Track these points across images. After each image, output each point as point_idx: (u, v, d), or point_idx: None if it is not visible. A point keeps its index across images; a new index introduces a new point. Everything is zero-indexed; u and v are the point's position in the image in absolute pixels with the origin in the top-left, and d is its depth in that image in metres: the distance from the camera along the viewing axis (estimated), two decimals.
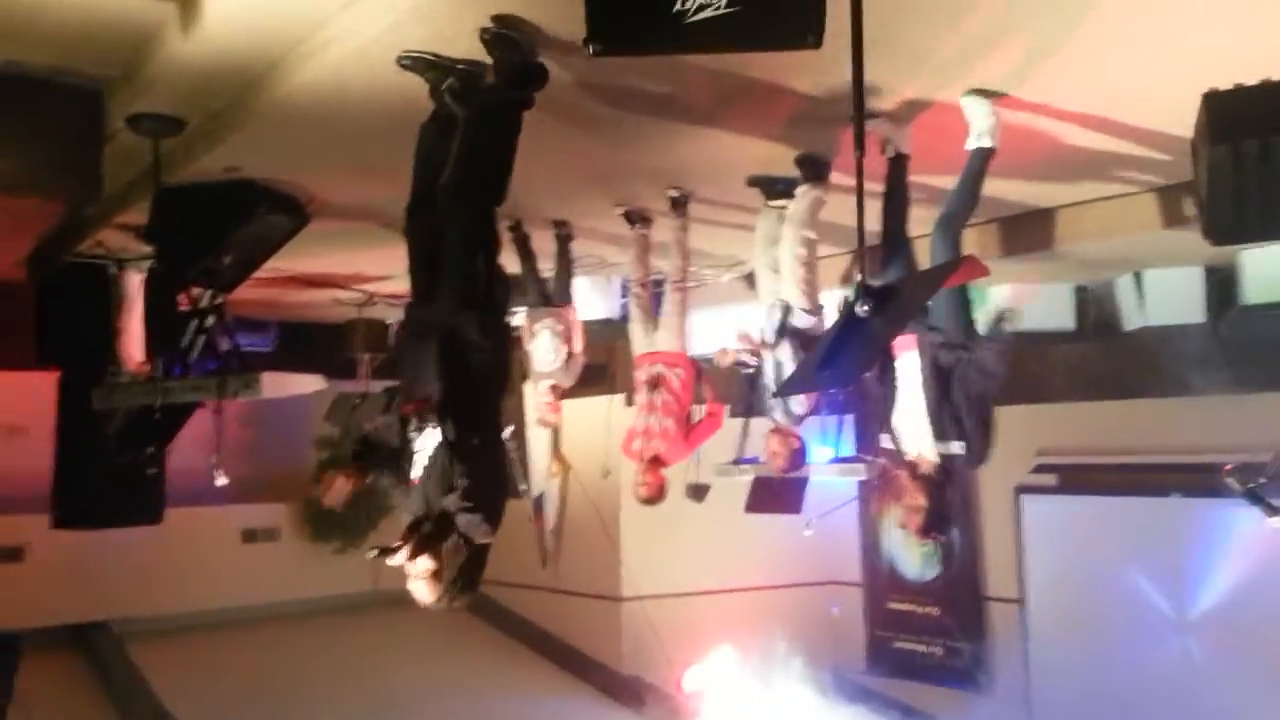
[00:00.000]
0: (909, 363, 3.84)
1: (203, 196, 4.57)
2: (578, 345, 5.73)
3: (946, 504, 3.91)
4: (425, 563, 2.89)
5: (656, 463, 5.18)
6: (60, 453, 6.70)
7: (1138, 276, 6.42)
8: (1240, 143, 2.95)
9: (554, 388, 5.75)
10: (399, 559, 2.90)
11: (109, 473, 6.19)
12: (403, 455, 3.20)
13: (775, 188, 4.76)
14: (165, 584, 9.22)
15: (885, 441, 3.96)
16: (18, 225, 4.74)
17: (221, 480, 5.76)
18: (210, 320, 5.62)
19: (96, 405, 5.57)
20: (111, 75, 3.86)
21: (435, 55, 3.23)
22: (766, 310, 4.65)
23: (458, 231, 3.18)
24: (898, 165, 4.06)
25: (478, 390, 3.11)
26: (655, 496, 5.18)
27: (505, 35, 3.06)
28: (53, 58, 3.71)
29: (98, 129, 4.06)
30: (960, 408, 3.66)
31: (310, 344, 9.01)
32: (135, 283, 6.03)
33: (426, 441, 3.14)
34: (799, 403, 4.59)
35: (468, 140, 3.21)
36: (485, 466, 3.02)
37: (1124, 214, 5.08)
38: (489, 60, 3.19)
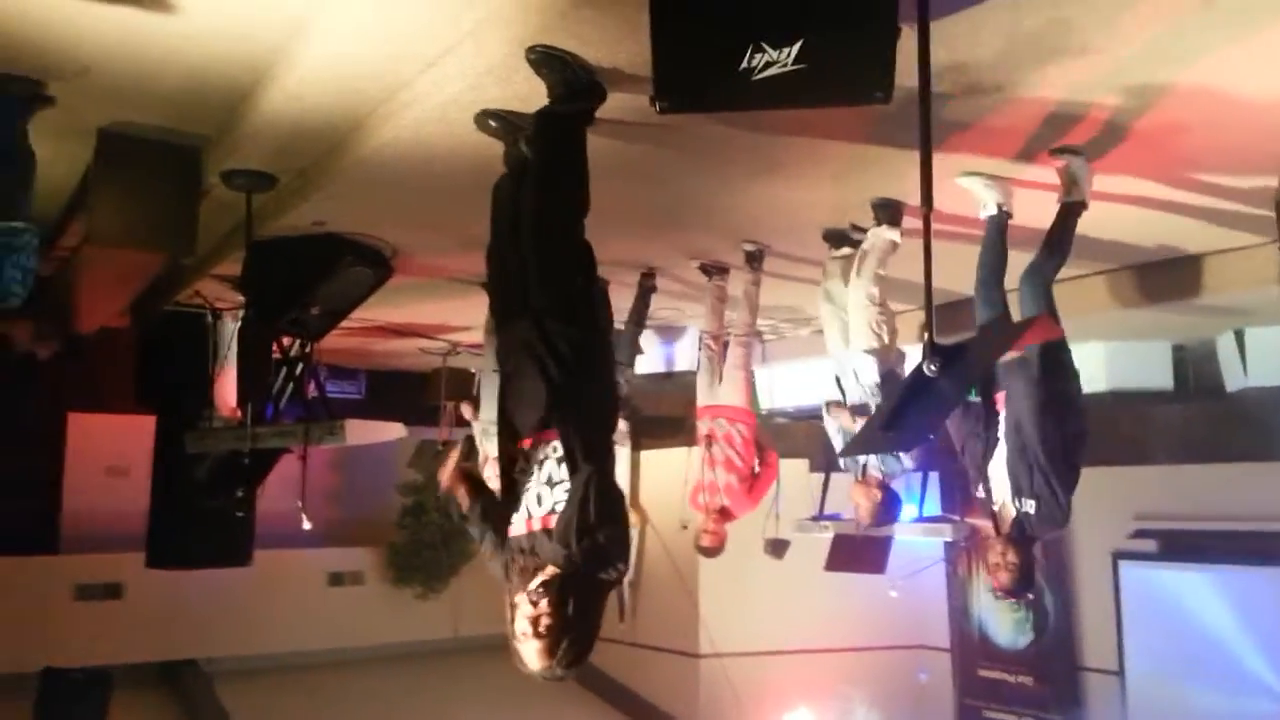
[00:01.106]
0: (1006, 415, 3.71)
1: (292, 250, 4.73)
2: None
3: (1032, 561, 3.72)
4: (549, 619, 2.39)
5: (724, 515, 5.16)
6: (156, 494, 6.94)
7: (1239, 335, 6.15)
8: None
9: None
10: (540, 608, 2.40)
11: (201, 514, 6.36)
12: (506, 500, 2.73)
13: (846, 240, 4.72)
14: (253, 625, 9.41)
15: (979, 492, 3.80)
16: (121, 276, 4.95)
17: (307, 525, 5.88)
18: (299, 368, 5.81)
19: (190, 448, 5.76)
20: (208, 134, 4.04)
21: (514, 114, 3.23)
22: (839, 364, 4.57)
23: (539, 254, 2.88)
24: (996, 222, 3.95)
25: (590, 410, 2.70)
26: (716, 547, 5.15)
27: (553, 53, 2.90)
28: (157, 118, 3.89)
29: (195, 185, 4.24)
30: (1034, 465, 3.50)
31: (397, 392, 9.23)
32: (230, 331, 6.25)
33: (542, 476, 2.65)
34: (903, 458, 4.49)
35: (533, 163, 3.03)
36: (614, 493, 2.57)
37: (1239, 267, 4.88)
38: None
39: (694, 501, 5.23)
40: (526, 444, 2.71)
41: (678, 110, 2.66)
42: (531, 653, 2.40)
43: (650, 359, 6.45)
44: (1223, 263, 5.04)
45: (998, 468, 3.67)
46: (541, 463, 2.64)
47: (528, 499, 2.63)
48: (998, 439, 3.72)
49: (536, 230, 2.91)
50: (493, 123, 3.31)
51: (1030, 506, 3.52)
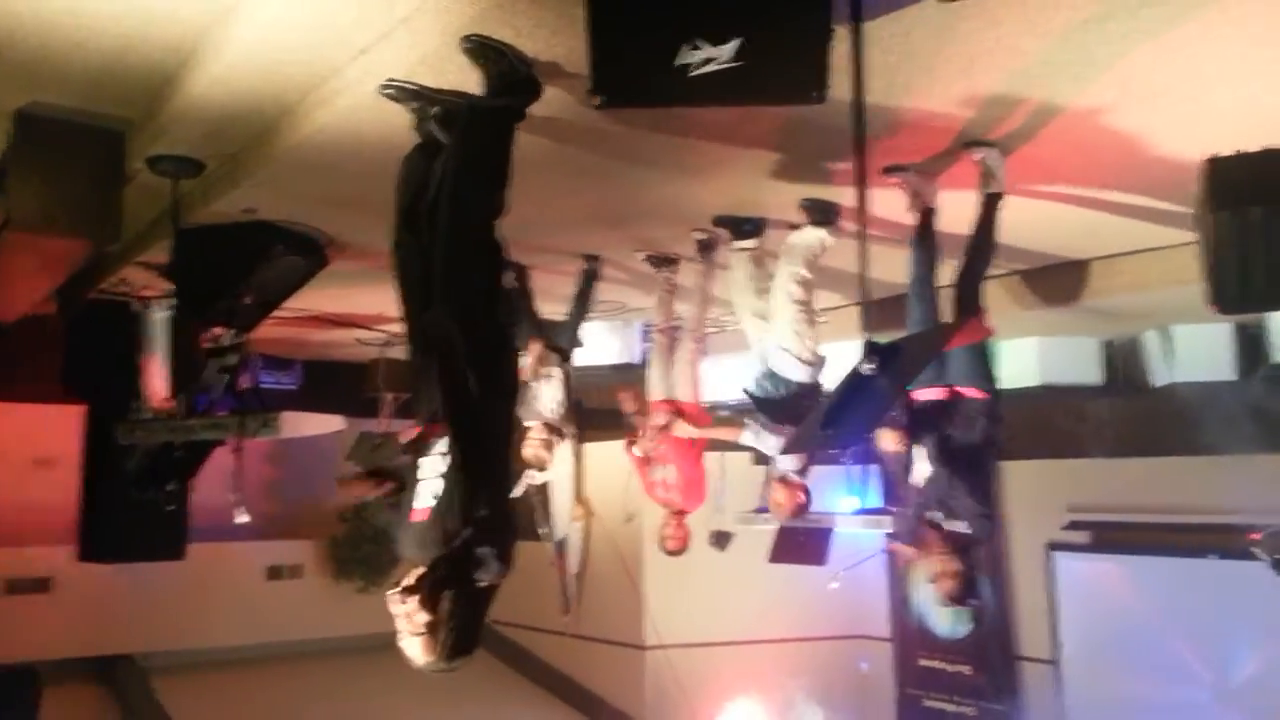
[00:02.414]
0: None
1: (221, 237, 4.60)
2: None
3: (972, 569, 3.74)
4: (423, 615, 2.46)
5: (680, 515, 5.20)
6: (86, 486, 6.77)
7: (1165, 332, 6.28)
8: (1244, 210, 2.84)
9: (548, 425, 5.42)
10: (408, 607, 2.48)
11: (134, 507, 6.22)
12: (408, 487, 2.77)
13: (743, 228, 4.64)
14: (191, 619, 9.21)
15: (909, 508, 3.80)
16: (43, 263, 4.79)
17: (242, 518, 5.75)
18: (232, 359, 5.67)
19: (120, 440, 5.61)
20: (132, 117, 3.91)
21: (420, 85, 3.14)
22: (759, 360, 4.55)
23: (449, 250, 2.85)
24: (925, 219, 3.97)
25: (484, 410, 2.71)
26: (681, 549, 5.26)
27: (490, 44, 2.85)
28: (76, 99, 3.76)
29: (118, 170, 4.10)
30: (960, 486, 3.53)
31: (334, 383, 9.08)
32: (158, 320, 6.09)
33: (428, 469, 2.73)
34: (793, 460, 4.48)
35: (455, 154, 2.96)
36: (496, 495, 2.63)
37: (1154, 268, 4.97)
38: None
39: (653, 494, 5.28)
40: (419, 434, 2.76)
41: (615, 104, 2.63)
42: (412, 648, 2.48)
43: (595, 351, 6.38)
44: (1145, 263, 5.12)
45: (924, 479, 3.68)
46: (431, 455, 2.70)
47: (418, 490, 2.69)
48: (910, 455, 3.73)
49: (450, 229, 2.87)
50: (390, 91, 3.18)
51: (961, 526, 3.55)
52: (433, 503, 2.62)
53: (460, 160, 2.95)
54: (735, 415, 4.85)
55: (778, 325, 4.29)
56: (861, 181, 2.37)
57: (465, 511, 2.52)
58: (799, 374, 4.22)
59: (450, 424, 2.66)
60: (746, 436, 4.43)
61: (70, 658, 8.42)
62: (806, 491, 4.48)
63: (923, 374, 3.45)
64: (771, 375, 4.29)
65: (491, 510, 2.55)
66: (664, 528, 5.22)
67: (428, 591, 2.46)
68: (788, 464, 4.45)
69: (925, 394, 3.64)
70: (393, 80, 3.13)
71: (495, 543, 2.53)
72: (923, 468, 3.67)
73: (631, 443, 5.30)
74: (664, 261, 5.37)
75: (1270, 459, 6.31)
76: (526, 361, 5.43)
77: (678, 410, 5.08)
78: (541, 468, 5.34)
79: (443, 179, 2.96)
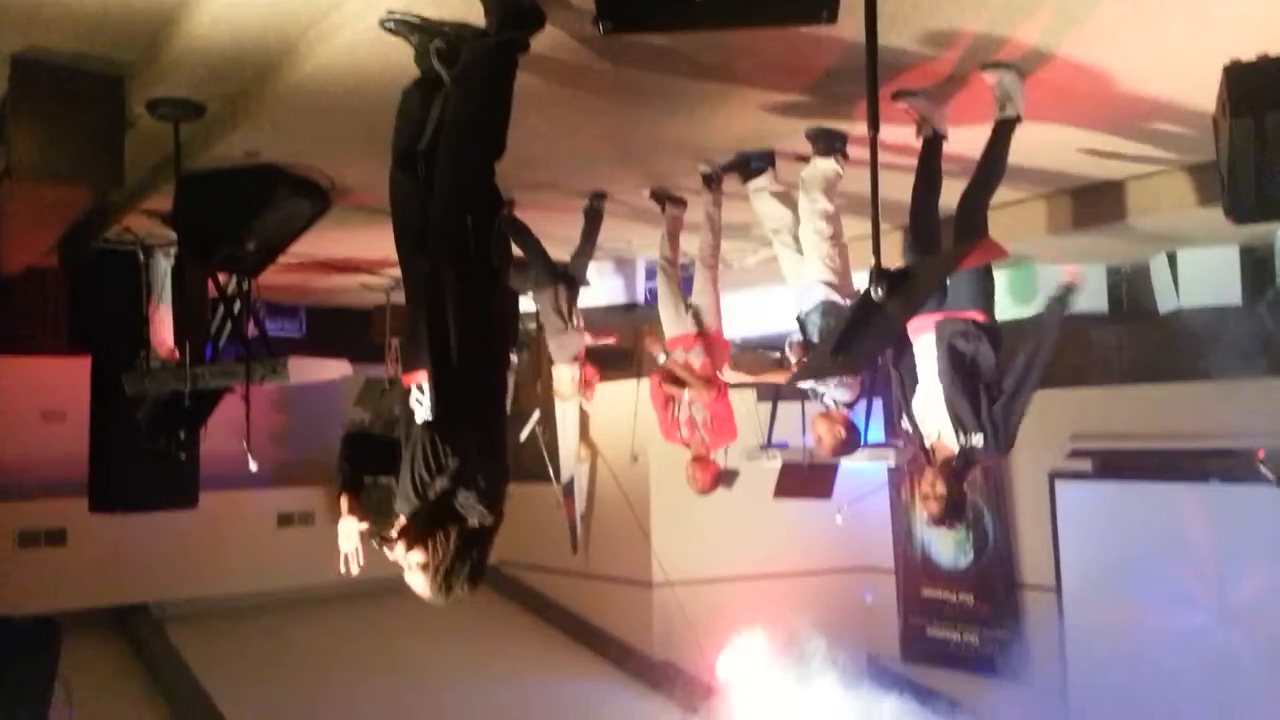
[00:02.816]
0: (927, 346, 3.73)
1: (224, 182, 4.58)
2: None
3: (963, 493, 3.77)
4: (417, 555, 2.60)
5: (703, 455, 5.21)
6: (95, 437, 6.79)
7: (1172, 258, 6.25)
8: (1263, 116, 2.80)
9: (577, 358, 5.62)
10: (396, 554, 2.62)
11: (144, 457, 6.25)
12: (408, 436, 2.86)
13: (750, 165, 4.62)
14: (203, 567, 9.31)
15: (906, 426, 3.84)
16: (45, 212, 4.77)
17: (253, 466, 5.80)
18: (237, 306, 5.68)
19: (128, 391, 5.63)
20: (131, 60, 3.86)
21: (421, 18, 3.09)
22: (797, 294, 4.55)
23: (444, 192, 2.84)
24: (932, 146, 3.94)
25: (472, 355, 2.73)
26: (712, 487, 5.26)
27: None
28: (73, 43, 3.71)
29: (118, 115, 4.06)
30: (980, 398, 3.54)
31: (339, 329, 9.09)
32: (163, 268, 6.08)
33: (419, 417, 2.85)
34: (845, 391, 4.51)
35: (455, 93, 2.92)
36: (480, 439, 2.66)
37: (1164, 189, 4.94)
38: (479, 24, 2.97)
39: (672, 436, 5.23)
40: (408, 379, 2.83)
41: (621, 30, 2.61)
42: (414, 583, 2.62)
43: (599, 292, 6.39)
44: (1151, 185, 5.10)
45: (925, 401, 3.70)
46: (417, 405, 2.80)
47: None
48: (915, 376, 3.74)
49: (447, 170, 2.85)
50: (390, 25, 3.14)
51: (978, 440, 3.56)
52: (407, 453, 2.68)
53: (460, 99, 2.92)
54: (784, 356, 4.82)
55: (811, 261, 4.30)
56: (873, 99, 2.36)
57: (435, 462, 2.57)
58: (829, 306, 4.24)
59: (430, 374, 2.74)
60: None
61: (87, 608, 8.53)
62: (849, 425, 4.48)
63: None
64: (823, 310, 4.26)
65: (470, 457, 2.59)
66: (696, 469, 5.16)
67: (411, 539, 2.58)
68: (841, 396, 4.44)
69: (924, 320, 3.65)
70: (393, 13, 3.09)
71: (476, 488, 2.59)
72: (925, 389, 3.70)
73: (664, 381, 5.21)
74: (670, 199, 5.33)
75: (1274, 383, 6.35)
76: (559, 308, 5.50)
77: (707, 343, 5.06)
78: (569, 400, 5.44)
79: (441, 118, 2.93)
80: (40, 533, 8.51)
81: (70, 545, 8.65)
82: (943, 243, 3.84)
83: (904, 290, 2.38)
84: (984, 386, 3.55)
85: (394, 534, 2.62)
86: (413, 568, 2.62)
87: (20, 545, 8.42)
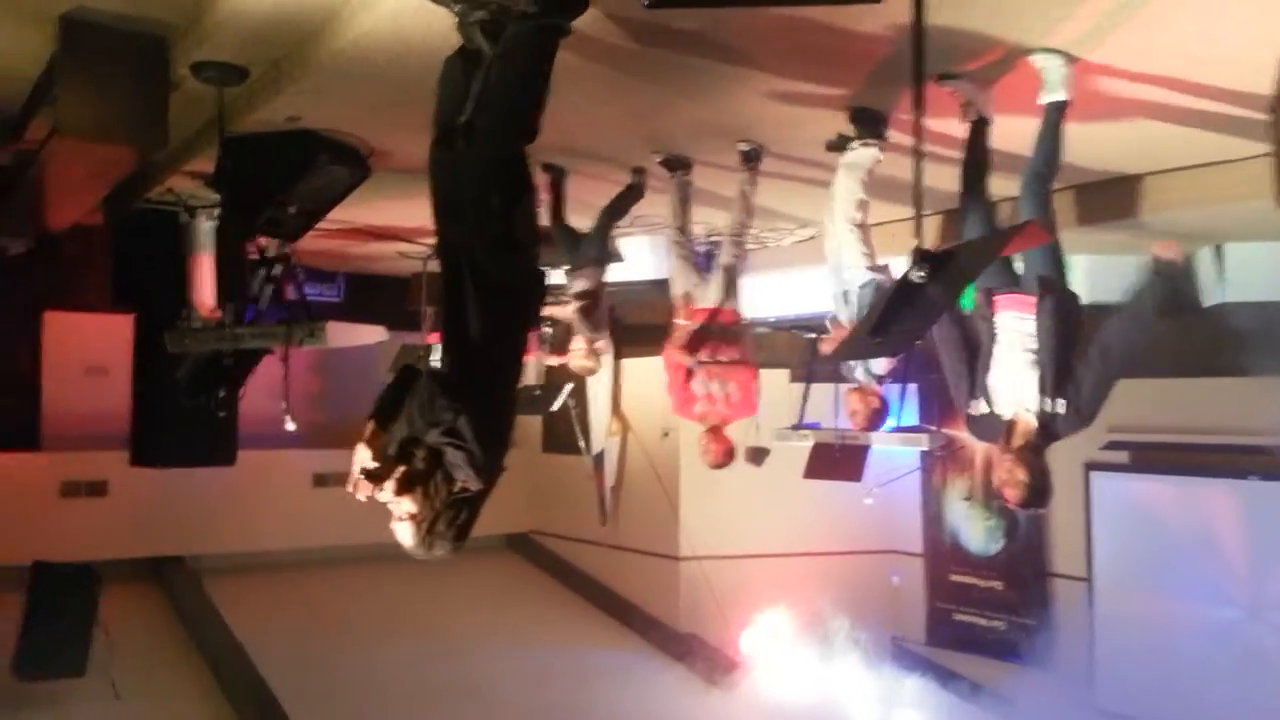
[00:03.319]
0: (1010, 321, 3.60)
1: (266, 146, 4.62)
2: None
3: (1046, 471, 3.66)
4: (407, 504, 2.71)
5: (719, 428, 5.13)
6: (138, 393, 6.93)
7: (1218, 250, 6.12)
8: None
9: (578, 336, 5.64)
10: (385, 495, 2.73)
11: (185, 414, 6.37)
12: None
13: (875, 129, 4.41)
14: (239, 523, 9.47)
15: (977, 407, 3.67)
16: (91, 170, 4.85)
17: (290, 426, 5.89)
18: (278, 269, 5.75)
19: (170, 348, 5.73)
20: (176, 23, 3.90)
21: None
22: (834, 272, 4.51)
23: (476, 171, 2.88)
24: (978, 129, 3.86)
25: (490, 323, 2.78)
26: (725, 460, 5.18)
27: None
28: (120, 4, 3.76)
29: (164, 76, 4.11)
30: (1068, 366, 3.45)
31: (376, 296, 9.17)
32: (205, 230, 6.16)
33: None
34: (880, 363, 4.49)
35: (494, 72, 2.91)
36: (481, 406, 2.73)
37: (1209, 184, 4.84)
38: None
39: (687, 411, 5.16)
40: (432, 339, 2.92)
41: (665, 5, 2.58)
42: (399, 532, 2.74)
43: (632, 266, 6.37)
44: (1204, 177, 4.98)
45: (1003, 377, 3.60)
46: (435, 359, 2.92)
47: None
48: (992, 343, 3.64)
49: (482, 148, 2.89)
50: None
51: (1061, 406, 3.46)
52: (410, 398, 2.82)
53: (500, 79, 2.91)
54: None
55: (849, 247, 4.27)
56: (919, 80, 2.32)
57: (431, 411, 2.68)
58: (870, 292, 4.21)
59: (443, 338, 2.85)
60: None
61: (125, 558, 8.72)
62: (883, 399, 4.47)
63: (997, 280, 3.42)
64: (877, 286, 4.19)
65: (466, 422, 2.67)
66: (713, 442, 5.09)
67: (401, 486, 2.69)
68: (877, 368, 4.42)
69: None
70: None
71: (467, 451, 2.67)
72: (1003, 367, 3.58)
73: (686, 349, 5.11)
74: (678, 164, 5.17)
75: None
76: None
77: (726, 318, 5.02)
78: (592, 373, 5.43)
79: (481, 94, 2.93)
80: (82, 484, 8.69)
81: (110, 496, 8.82)
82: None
83: (946, 273, 2.35)
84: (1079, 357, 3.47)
85: (382, 473, 2.74)
86: (401, 516, 2.73)
87: (63, 495, 8.62)
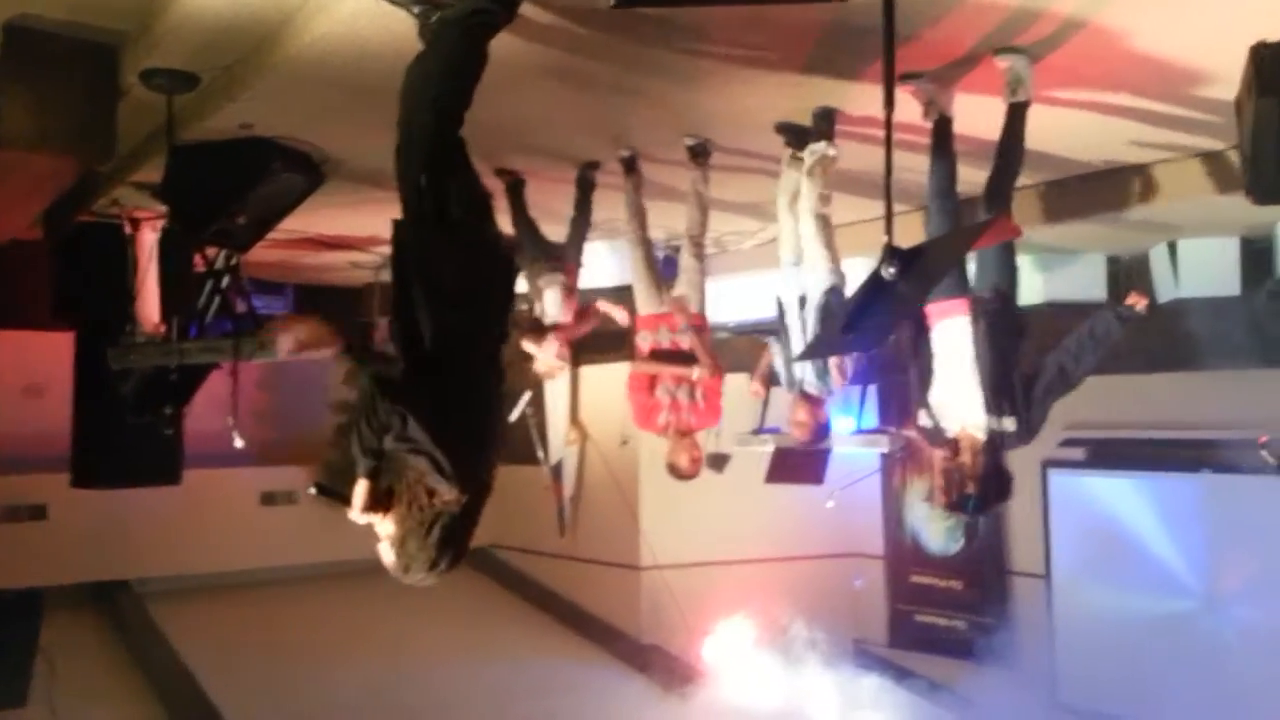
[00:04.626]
0: (950, 331, 3.67)
1: (217, 154, 4.49)
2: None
3: (989, 483, 3.71)
4: (387, 526, 2.60)
5: (688, 435, 4.99)
6: (78, 412, 6.69)
7: (1172, 247, 6.25)
8: None
9: (558, 333, 5.37)
10: (353, 514, 2.62)
11: (127, 433, 6.17)
12: None
13: (805, 138, 4.44)
14: (186, 544, 9.23)
15: (923, 419, 3.74)
16: (31, 183, 4.68)
17: (239, 443, 5.73)
18: (226, 281, 5.59)
19: (113, 365, 5.55)
20: (125, 29, 3.78)
21: None
22: (789, 273, 4.51)
23: (398, 146, 2.83)
24: (941, 127, 3.90)
25: (438, 314, 2.65)
26: (696, 470, 5.04)
27: None
28: (65, 11, 3.64)
29: (111, 84, 3.99)
30: (1014, 381, 3.50)
31: (326, 308, 8.99)
32: (150, 242, 5.98)
33: None
34: (835, 376, 4.47)
35: (423, 52, 2.89)
36: (434, 406, 2.59)
37: (1165, 179, 4.93)
38: None
39: (649, 424, 5.01)
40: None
41: (629, 4, 2.54)
42: (383, 554, 2.64)
43: (594, 272, 6.30)
44: (1155, 173, 5.07)
45: (947, 390, 3.63)
46: None
47: None
48: (930, 365, 3.69)
49: (401, 128, 2.84)
50: None
51: (1011, 424, 3.51)
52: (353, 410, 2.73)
53: (422, 58, 2.88)
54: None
55: (812, 247, 4.26)
56: (889, 77, 2.31)
57: (374, 417, 2.56)
58: (829, 284, 4.20)
59: (391, 332, 2.73)
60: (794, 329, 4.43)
61: (68, 584, 8.45)
62: (826, 414, 4.48)
63: (948, 285, 3.45)
64: (838, 293, 4.21)
65: (416, 423, 2.54)
66: (681, 451, 4.91)
67: (369, 503, 2.60)
68: (832, 384, 4.41)
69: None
70: None
71: (428, 456, 2.54)
72: (949, 377, 3.64)
73: (651, 360, 5.05)
74: (631, 164, 5.07)
75: (1269, 373, 6.34)
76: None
77: (693, 322, 4.96)
78: (552, 376, 5.32)
79: (405, 77, 2.90)
80: (21, 507, 8.41)
81: (51, 520, 8.55)
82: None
83: (917, 269, 2.34)
84: (1020, 371, 3.52)
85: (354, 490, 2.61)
86: (381, 537, 2.64)
87: (1, 520, 8.33)
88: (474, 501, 2.64)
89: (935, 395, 3.67)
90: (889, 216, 2.52)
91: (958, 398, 3.60)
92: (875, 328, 2.61)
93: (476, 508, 2.66)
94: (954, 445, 3.58)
